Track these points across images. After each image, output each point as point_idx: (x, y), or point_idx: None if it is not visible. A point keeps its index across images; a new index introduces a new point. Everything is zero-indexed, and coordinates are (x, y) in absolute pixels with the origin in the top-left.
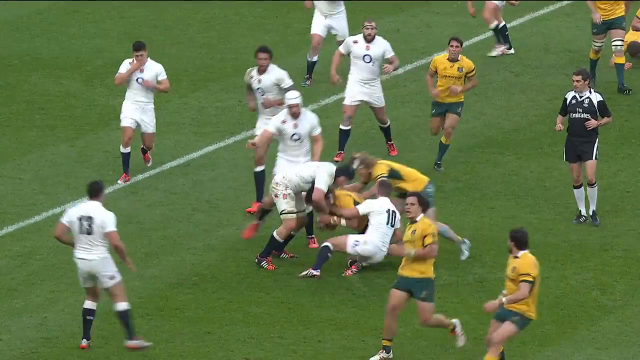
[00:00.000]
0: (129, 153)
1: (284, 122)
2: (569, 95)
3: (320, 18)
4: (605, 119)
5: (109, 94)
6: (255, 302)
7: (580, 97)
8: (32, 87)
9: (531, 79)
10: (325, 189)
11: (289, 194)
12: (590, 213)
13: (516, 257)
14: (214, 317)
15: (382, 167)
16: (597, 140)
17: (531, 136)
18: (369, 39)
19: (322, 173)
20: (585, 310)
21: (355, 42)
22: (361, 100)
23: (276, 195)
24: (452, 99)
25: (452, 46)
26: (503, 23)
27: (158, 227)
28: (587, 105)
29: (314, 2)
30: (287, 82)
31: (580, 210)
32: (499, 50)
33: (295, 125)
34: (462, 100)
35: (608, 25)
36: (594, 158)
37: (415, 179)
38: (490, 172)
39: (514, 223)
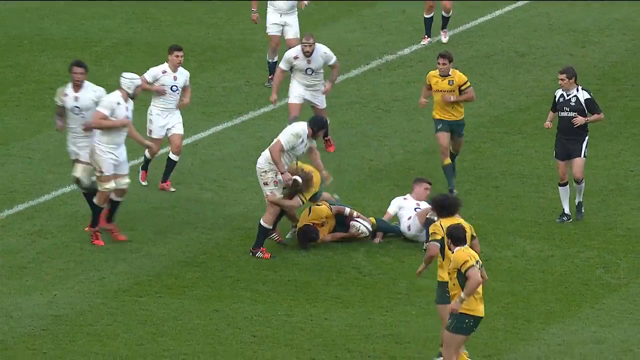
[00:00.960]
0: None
1: (119, 104)
2: (558, 93)
3: (275, 16)
4: (595, 116)
5: (118, 75)
6: (263, 280)
7: (568, 95)
8: (41, 67)
9: (536, 59)
10: (285, 145)
11: (280, 180)
12: (576, 203)
13: (452, 252)
14: (221, 295)
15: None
16: (586, 138)
17: (536, 116)
18: (307, 55)
19: (288, 130)
20: (590, 288)
21: (296, 57)
22: (305, 99)
23: (266, 183)
24: (454, 117)
25: (439, 63)
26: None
27: (166, 207)
28: (574, 103)
29: (270, 1)
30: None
31: (564, 209)
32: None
33: (127, 109)
34: (463, 118)
35: None
36: (582, 156)
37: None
38: (496, 151)
39: (518, 202)
